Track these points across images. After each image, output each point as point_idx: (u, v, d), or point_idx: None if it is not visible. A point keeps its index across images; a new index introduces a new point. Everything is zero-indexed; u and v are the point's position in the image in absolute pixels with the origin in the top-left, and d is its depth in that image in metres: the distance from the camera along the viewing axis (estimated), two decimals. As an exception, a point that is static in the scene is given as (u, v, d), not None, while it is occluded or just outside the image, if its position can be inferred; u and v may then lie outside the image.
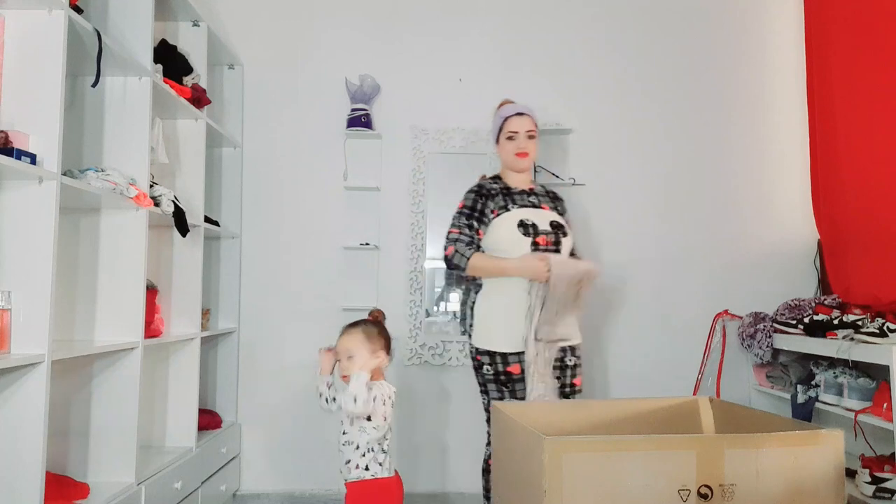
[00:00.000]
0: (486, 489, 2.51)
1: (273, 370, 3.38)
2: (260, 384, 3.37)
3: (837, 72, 3.16)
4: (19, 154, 1.73)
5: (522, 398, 2.34)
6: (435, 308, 3.46)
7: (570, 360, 2.46)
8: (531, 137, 2.51)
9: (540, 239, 2.41)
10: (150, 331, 2.50)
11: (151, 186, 2.44)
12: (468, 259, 2.40)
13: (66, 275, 2.26)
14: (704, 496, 1.46)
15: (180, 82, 2.73)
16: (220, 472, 3.02)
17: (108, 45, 2.10)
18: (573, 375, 2.47)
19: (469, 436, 3.29)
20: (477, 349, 2.43)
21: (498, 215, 2.45)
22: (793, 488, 1.50)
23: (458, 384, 3.36)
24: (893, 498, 2.47)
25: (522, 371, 2.36)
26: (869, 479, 2.51)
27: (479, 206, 2.48)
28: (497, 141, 2.58)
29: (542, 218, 2.46)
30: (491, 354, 2.39)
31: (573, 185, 3.41)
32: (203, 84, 2.91)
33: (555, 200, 2.61)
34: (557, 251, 2.43)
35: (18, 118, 1.84)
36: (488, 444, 2.45)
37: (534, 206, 2.51)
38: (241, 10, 3.50)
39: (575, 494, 1.42)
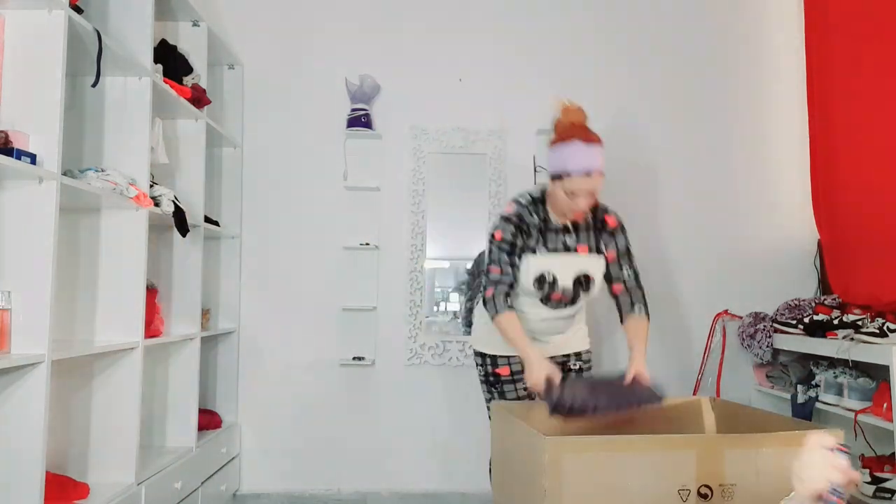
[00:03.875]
0: None
1: (273, 370, 3.38)
2: (260, 384, 3.37)
3: (837, 72, 3.16)
4: (19, 154, 1.73)
5: (510, 399, 2.32)
6: (435, 308, 3.46)
7: (575, 365, 2.39)
8: (594, 194, 2.12)
9: (555, 296, 2.19)
10: (150, 331, 2.50)
11: (151, 186, 2.44)
12: (498, 314, 2.13)
13: (66, 275, 2.26)
14: (704, 496, 1.46)
15: (180, 82, 2.73)
16: (220, 472, 3.02)
17: (108, 45, 2.10)
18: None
19: (469, 436, 3.28)
20: (474, 350, 2.44)
21: (523, 258, 2.16)
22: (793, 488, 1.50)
23: (459, 384, 3.35)
24: (893, 498, 2.47)
25: (511, 374, 2.31)
26: (869, 479, 2.51)
27: (517, 242, 2.16)
28: (553, 177, 2.13)
29: (569, 268, 2.18)
30: (482, 356, 2.37)
31: (573, 185, 3.41)
32: (203, 84, 2.91)
33: (601, 233, 2.24)
34: (573, 303, 2.24)
35: (18, 118, 1.84)
36: None
37: (566, 249, 2.19)
38: (241, 10, 3.50)
39: (575, 494, 1.42)
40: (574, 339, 2.39)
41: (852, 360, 2.60)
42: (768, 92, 3.55)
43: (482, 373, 2.38)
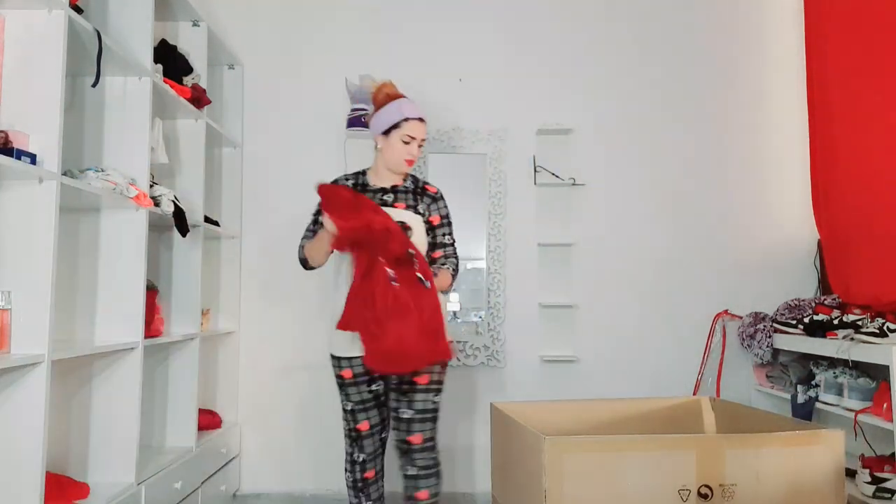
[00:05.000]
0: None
1: (273, 370, 3.38)
2: (260, 384, 3.37)
3: (837, 72, 3.16)
4: (19, 154, 1.73)
5: (354, 402, 2.30)
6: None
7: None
8: (420, 146, 2.35)
9: None
10: (150, 331, 2.50)
11: (151, 186, 2.44)
12: (302, 248, 2.39)
13: (66, 275, 2.26)
14: (704, 496, 1.46)
15: (180, 82, 2.73)
16: (220, 472, 3.02)
17: (108, 45, 2.10)
18: (413, 373, 2.22)
19: (470, 436, 3.29)
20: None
21: None
22: (793, 488, 1.50)
23: (459, 384, 3.35)
24: (893, 498, 2.47)
25: (354, 376, 2.28)
26: (869, 479, 2.51)
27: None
28: (385, 132, 2.32)
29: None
30: (332, 358, 2.34)
31: (573, 185, 3.41)
32: (203, 84, 2.91)
33: (420, 197, 2.36)
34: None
35: (18, 118, 1.84)
36: (347, 458, 2.38)
37: (384, 204, 2.31)
38: (241, 10, 3.50)
39: (575, 494, 1.43)
40: None
41: (852, 360, 2.60)
42: (768, 91, 3.55)
43: (335, 374, 2.35)
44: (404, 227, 2.23)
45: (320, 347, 3.37)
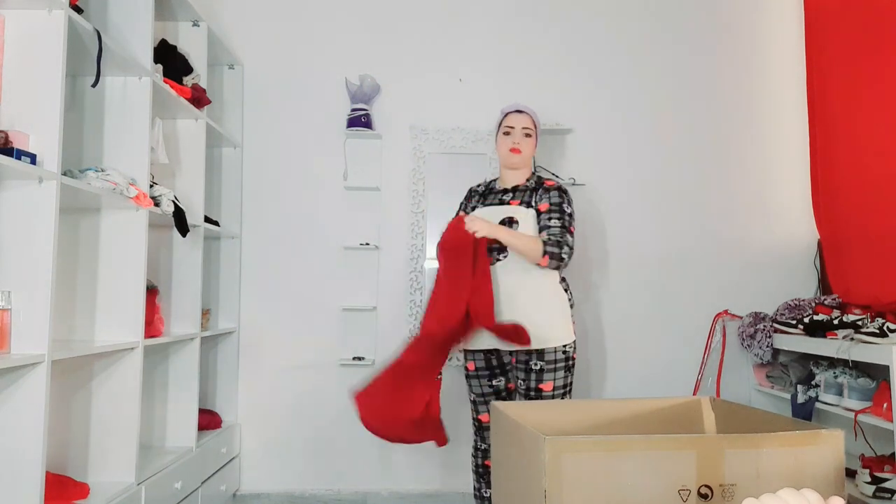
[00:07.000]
0: (477, 488, 2.67)
1: (273, 370, 3.38)
2: (260, 384, 3.37)
3: (837, 72, 3.16)
4: (19, 154, 1.73)
5: (476, 394, 2.58)
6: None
7: (536, 365, 2.43)
8: (527, 136, 2.54)
9: None
10: (150, 331, 2.50)
11: (151, 186, 2.44)
12: None
13: (66, 275, 2.26)
14: (704, 496, 1.46)
15: (180, 82, 2.73)
16: (220, 472, 3.02)
17: (108, 45, 2.10)
18: (538, 380, 2.43)
19: (469, 435, 3.28)
20: None
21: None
22: (793, 488, 1.50)
23: (458, 384, 3.35)
24: (893, 498, 2.47)
25: (476, 369, 2.55)
26: (869, 479, 2.51)
27: (463, 209, 2.71)
28: (496, 138, 2.62)
29: (497, 214, 2.49)
30: (463, 351, 2.60)
31: (573, 185, 3.41)
32: (203, 84, 2.91)
33: (535, 192, 2.51)
34: (501, 248, 2.44)
35: (18, 118, 1.84)
36: (472, 444, 2.69)
37: (501, 203, 2.54)
38: (241, 10, 3.50)
39: (575, 494, 1.42)
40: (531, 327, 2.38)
41: (852, 360, 2.60)
42: (768, 91, 3.55)
43: (464, 366, 2.63)
44: (511, 222, 2.47)
45: (320, 347, 3.39)
